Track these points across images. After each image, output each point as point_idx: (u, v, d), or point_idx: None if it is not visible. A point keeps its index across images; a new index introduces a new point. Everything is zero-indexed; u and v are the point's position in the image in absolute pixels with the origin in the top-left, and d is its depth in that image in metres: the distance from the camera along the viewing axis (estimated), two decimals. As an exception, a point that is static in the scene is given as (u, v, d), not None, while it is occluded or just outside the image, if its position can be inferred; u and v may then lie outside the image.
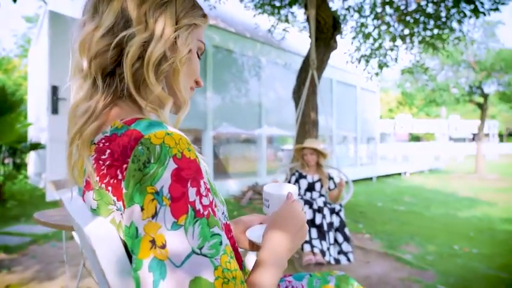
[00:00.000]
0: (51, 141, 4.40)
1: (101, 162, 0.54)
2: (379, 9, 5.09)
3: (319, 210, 2.87)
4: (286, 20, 5.47)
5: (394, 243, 3.56)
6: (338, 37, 4.89)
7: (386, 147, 19.48)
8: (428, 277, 2.66)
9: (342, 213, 2.97)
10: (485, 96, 11.48)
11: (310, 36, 4.02)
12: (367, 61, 5.52)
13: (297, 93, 4.50)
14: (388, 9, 5.05)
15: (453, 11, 4.71)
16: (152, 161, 0.49)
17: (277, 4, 5.26)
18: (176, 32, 0.63)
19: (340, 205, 3.01)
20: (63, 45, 4.52)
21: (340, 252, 2.82)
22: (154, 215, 0.47)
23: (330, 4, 5.51)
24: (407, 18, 4.93)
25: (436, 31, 5.05)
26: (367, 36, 5.28)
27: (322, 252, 2.70)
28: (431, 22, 4.94)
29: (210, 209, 0.51)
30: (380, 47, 5.38)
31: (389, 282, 2.54)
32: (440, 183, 9.70)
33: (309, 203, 2.90)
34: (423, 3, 4.79)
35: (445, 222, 4.77)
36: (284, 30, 5.44)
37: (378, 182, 9.78)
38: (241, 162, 6.93)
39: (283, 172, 4.21)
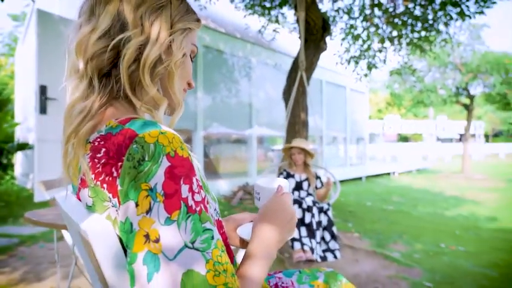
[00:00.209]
0: (39, 141, 4.35)
1: (96, 160, 0.55)
2: (368, 11, 5.16)
3: (309, 209, 2.91)
4: (277, 21, 5.50)
5: (383, 242, 3.61)
6: (328, 38, 4.95)
7: (375, 148, 19.69)
8: (415, 274, 2.72)
9: (329, 212, 3.02)
10: (471, 97, 11.70)
11: (299, 38, 4.06)
12: (357, 62, 5.58)
13: (287, 94, 4.53)
14: (376, 11, 5.12)
15: (440, 13, 4.80)
16: (146, 159, 0.50)
17: (268, 5, 5.28)
18: (171, 36, 0.65)
19: (328, 204, 3.06)
20: (51, 45, 4.47)
21: (327, 249, 2.88)
22: (149, 211, 0.48)
23: (320, 6, 5.56)
24: (396, 20, 5.01)
25: (423, 33, 5.14)
26: (356, 37, 5.35)
27: (312, 250, 2.75)
28: (419, 24, 5.03)
29: (202, 205, 0.53)
30: (369, 48, 5.45)
31: (377, 279, 2.59)
32: (427, 183, 9.85)
33: (298, 202, 2.94)
34: (411, 5, 4.87)
35: (432, 221, 4.86)
36: (274, 31, 5.47)
37: (367, 181, 9.88)
38: (231, 163, 6.94)
39: (272, 172, 4.24)
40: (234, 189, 6.11)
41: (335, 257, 2.84)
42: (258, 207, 0.79)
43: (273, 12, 5.40)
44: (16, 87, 8.63)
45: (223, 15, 7.01)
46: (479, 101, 13.33)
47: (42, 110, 4.31)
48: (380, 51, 5.50)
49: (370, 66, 5.58)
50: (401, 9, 4.98)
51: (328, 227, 2.98)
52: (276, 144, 8.25)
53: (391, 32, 5.26)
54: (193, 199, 0.52)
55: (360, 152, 11.20)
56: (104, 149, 0.55)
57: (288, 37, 7.16)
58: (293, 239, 2.82)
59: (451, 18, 4.78)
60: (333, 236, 2.95)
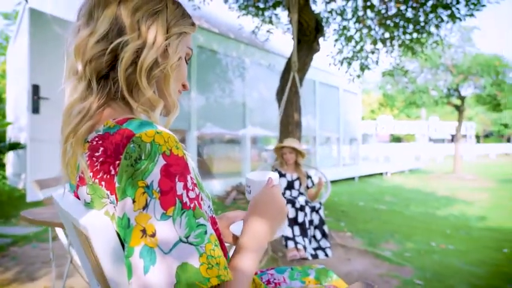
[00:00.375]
0: (31, 141, 4.32)
1: (94, 159, 0.57)
2: (360, 13, 5.21)
3: (301, 208, 2.95)
4: (270, 22, 5.53)
5: (375, 241, 3.66)
6: (321, 39, 4.99)
7: (368, 148, 19.84)
8: (406, 273, 2.76)
9: (321, 211, 3.06)
10: (462, 98, 11.85)
11: (292, 39, 4.09)
12: (349, 63, 5.63)
13: (280, 94, 4.56)
14: (369, 13, 5.17)
15: (431, 16, 4.87)
16: (143, 158, 0.52)
17: (261, 6, 5.31)
18: (167, 40, 0.67)
19: (320, 203, 3.10)
20: (44, 44, 4.45)
21: (319, 248, 2.92)
22: (145, 207, 0.51)
23: (313, 7, 5.60)
24: (388, 22, 5.07)
25: (415, 35, 5.21)
26: (349, 39, 5.40)
27: (305, 248, 2.79)
28: (411, 26, 5.10)
29: (196, 202, 0.55)
30: (361, 49, 5.51)
31: (369, 278, 2.62)
32: (420, 183, 9.95)
33: (291, 202, 2.97)
34: (403, 7, 4.93)
35: (424, 221, 4.92)
36: (268, 31, 5.50)
37: (360, 181, 9.96)
38: (225, 163, 6.95)
39: (265, 169, 4.26)
40: (227, 189, 6.13)
41: (326, 255, 2.88)
42: (249, 200, 0.81)
43: (266, 13, 5.43)
44: (8, 87, 8.55)
45: (217, 16, 7.02)
46: (470, 102, 13.50)
47: (35, 109, 4.28)
48: (372, 52, 5.55)
49: (362, 67, 5.64)
50: (393, 11, 5.05)
51: (319, 226, 3.02)
52: (269, 144, 8.28)
53: (383, 34, 5.32)
54: (187, 196, 0.54)
55: (352, 152, 11.28)
56: (102, 148, 0.57)
57: (281, 38, 7.20)
58: (287, 238, 2.85)
59: (442, 20, 4.85)
60: (324, 235, 3.00)
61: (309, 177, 3.40)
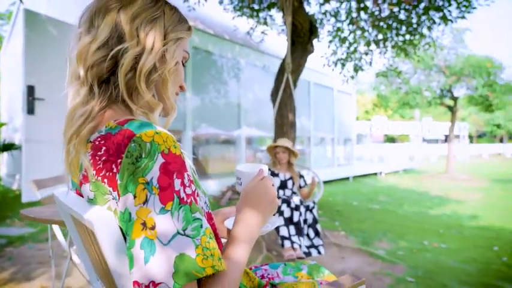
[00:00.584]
0: (26, 141, 4.32)
1: (97, 157, 0.60)
2: (354, 15, 5.27)
3: (296, 208, 3.00)
4: (265, 23, 5.57)
5: (368, 240, 3.71)
6: (315, 41, 5.04)
7: (362, 148, 19.96)
8: (399, 270, 2.81)
9: (314, 210, 3.11)
10: (455, 99, 11.97)
11: (287, 41, 4.13)
12: (343, 64, 5.69)
13: (275, 95, 4.60)
14: (363, 14, 5.23)
15: (423, 17, 4.93)
16: (143, 156, 0.56)
17: (256, 7, 5.35)
18: (165, 46, 0.70)
19: (314, 202, 3.15)
20: (38, 45, 4.45)
21: (312, 246, 2.97)
22: (145, 202, 0.54)
23: (308, 8, 5.65)
24: (381, 23, 5.13)
25: (407, 37, 5.28)
26: (343, 40, 5.45)
27: (300, 247, 2.85)
28: (403, 28, 5.16)
29: (192, 197, 0.59)
30: (355, 51, 5.56)
31: (362, 276, 2.66)
32: (413, 183, 10.04)
33: (286, 202, 3.02)
34: (396, 9, 4.99)
35: (417, 220, 4.98)
36: (263, 32, 5.54)
37: (355, 182, 10.03)
38: (220, 163, 6.98)
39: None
40: (222, 189, 6.16)
41: (319, 252, 2.93)
42: (240, 192, 0.83)
43: (261, 14, 5.47)
44: (1, 87, 8.50)
45: (212, 17, 7.05)
46: (462, 102, 13.63)
47: (30, 110, 4.28)
48: (366, 53, 5.61)
49: (356, 69, 5.69)
50: (386, 13, 5.11)
51: (312, 225, 3.08)
52: (264, 144, 8.32)
53: (376, 35, 5.38)
54: (184, 192, 0.57)
55: (347, 152, 11.35)
56: (104, 148, 0.60)
57: (276, 39, 7.25)
58: (283, 238, 2.90)
59: (434, 22, 4.93)
60: (317, 233, 3.06)
61: (301, 176, 3.46)
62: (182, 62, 0.79)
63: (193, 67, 6.16)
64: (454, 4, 4.64)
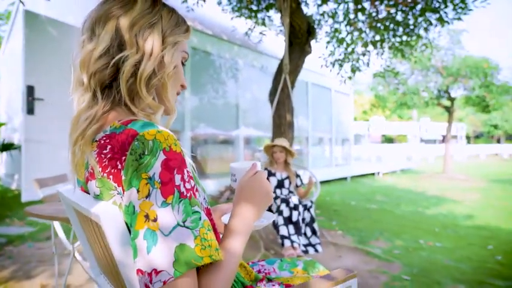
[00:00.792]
0: (26, 141, 4.34)
1: (102, 155, 0.64)
2: (352, 16, 5.31)
3: (295, 207, 3.04)
4: (263, 24, 5.61)
5: (365, 239, 3.75)
6: (313, 42, 5.08)
7: (360, 149, 20.03)
8: (394, 269, 2.85)
9: (312, 210, 3.16)
10: (452, 100, 12.04)
11: (285, 41, 4.17)
12: (341, 65, 5.73)
13: (273, 96, 4.64)
14: (360, 16, 5.27)
15: (420, 19, 4.98)
16: (146, 153, 0.60)
17: (254, 8, 5.38)
18: (163, 51, 0.74)
19: (311, 202, 3.19)
20: (38, 45, 4.47)
21: (309, 244, 3.01)
22: (148, 196, 0.58)
23: (306, 9, 5.70)
24: (378, 25, 5.18)
25: (404, 38, 5.32)
26: (340, 41, 5.49)
27: (299, 246, 2.90)
28: (400, 29, 5.21)
29: (191, 192, 0.63)
30: (353, 51, 5.60)
31: (358, 274, 2.69)
32: (411, 183, 10.10)
33: (285, 201, 3.07)
34: (393, 11, 5.04)
35: (413, 219, 5.03)
36: (261, 33, 5.58)
37: (352, 181, 10.07)
38: (218, 163, 7.01)
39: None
40: (221, 189, 6.19)
41: (316, 250, 2.98)
42: (235, 188, 0.86)
43: (259, 15, 5.50)
44: (0, 87, 8.52)
45: (210, 18, 7.08)
46: (460, 103, 13.71)
47: (30, 110, 4.31)
48: (363, 54, 5.65)
49: (353, 69, 5.73)
50: (383, 14, 5.15)
51: (309, 224, 3.12)
52: (262, 144, 8.36)
53: (374, 36, 5.42)
54: (184, 187, 0.61)
55: (345, 152, 11.40)
56: (109, 146, 0.64)
57: (274, 40, 7.29)
58: (283, 237, 2.95)
59: (431, 24, 4.97)
60: (314, 232, 3.10)
61: (297, 176, 3.50)
62: (182, 61, 0.83)
63: (192, 67, 6.20)
64: (450, 6, 4.69)
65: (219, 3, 5.47)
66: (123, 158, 0.61)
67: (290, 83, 4.40)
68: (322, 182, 8.74)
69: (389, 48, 5.50)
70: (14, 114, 6.56)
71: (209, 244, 0.60)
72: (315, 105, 9.49)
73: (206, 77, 6.61)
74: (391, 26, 5.16)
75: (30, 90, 4.32)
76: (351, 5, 5.21)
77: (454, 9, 4.72)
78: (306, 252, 2.98)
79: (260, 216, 0.79)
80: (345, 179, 10.27)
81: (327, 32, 5.62)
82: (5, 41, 7.62)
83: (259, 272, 1.10)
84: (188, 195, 0.61)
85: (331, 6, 5.51)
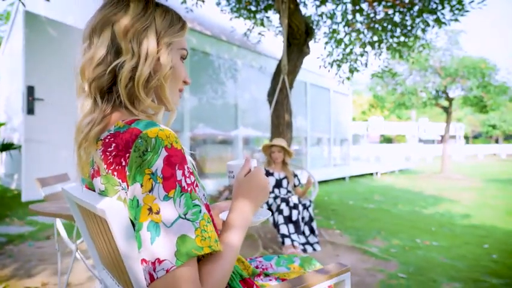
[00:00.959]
0: (26, 141, 4.37)
1: (107, 153, 0.68)
2: (350, 17, 5.35)
3: (295, 207, 3.08)
4: (262, 24, 5.64)
5: (362, 238, 3.78)
6: (311, 42, 5.12)
7: (359, 149, 20.09)
8: (391, 267, 2.89)
9: (310, 209, 3.19)
10: (450, 100, 12.10)
11: (283, 42, 4.21)
12: (339, 66, 5.76)
13: (271, 96, 4.67)
14: (358, 16, 5.31)
15: (418, 20, 5.02)
16: (149, 150, 0.63)
17: (253, 9, 5.42)
18: (158, 53, 0.77)
19: (310, 201, 3.23)
20: (38, 46, 4.50)
21: (307, 243, 3.05)
22: (151, 190, 0.62)
23: (304, 10, 5.73)
24: (376, 25, 5.21)
25: (402, 38, 5.36)
26: (339, 42, 5.53)
27: (299, 245, 2.95)
28: (398, 30, 5.25)
29: (192, 186, 0.67)
30: (351, 52, 5.64)
31: (355, 272, 2.74)
32: (409, 183, 10.14)
33: (285, 201, 3.11)
34: (390, 12, 5.08)
35: (410, 219, 5.07)
36: (260, 34, 5.61)
37: (351, 181, 10.11)
38: (217, 163, 7.04)
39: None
40: (220, 188, 6.22)
41: (314, 249, 3.02)
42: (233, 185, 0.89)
43: (258, 16, 5.54)
44: (0, 87, 8.54)
45: (209, 18, 7.12)
46: (458, 103, 13.77)
47: (30, 110, 4.33)
48: (361, 55, 5.69)
49: (352, 70, 5.77)
50: (381, 15, 5.19)
51: (308, 223, 3.16)
52: (261, 145, 8.40)
53: (372, 37, 5.46)
54: (185, 181, 0.65)
55: (343, 152, 11.45)
56: (114, 144, 0.68)
57: (273, 40, 7.33)
58: (283, 236, 2.99)
59: (428, 25, 5.01)
60: (312, 231, 3.14)
61: (295, 175, 3.53)
62: (182, 57, 0.85)
63: (191, 68, 6.23)
64: (447, 7, 4.73)
65: (218, 4, 5.51)
66: (127, 155, 0.65)
67: (288, 83, 4.44)
68: (321, 182, 8.78)
69: (387, 49, 5.54)
70: (13, 114, 6.59)
71: (209, 235, 0.64)
72: (313, 105, 9.53)
73: (205, 77, 6.65)
74: (389, 26, 5.20)
75: (30, 90, 4.34)
76: (349, 6, 5.25)
77: (451, 10, 4.76)
78: (304, 251, 3.02)
79: (258, 208, 0.83)
80: (344, 179, 10.31)
81: (325, 33, 5.66)
82: (5, 41, 7.64)
83: (256, 267, 1.13)
84: (189, 189, 0.65)
85: (329, 7, 5.55)
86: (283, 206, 3.09)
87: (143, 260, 0.61)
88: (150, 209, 0.61)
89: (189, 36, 6.21)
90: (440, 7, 4.73)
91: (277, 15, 5.25)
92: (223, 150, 7.27)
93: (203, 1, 4.86)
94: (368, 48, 5.63)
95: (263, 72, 7.75)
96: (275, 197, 3.28)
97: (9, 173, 6.60)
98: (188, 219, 0.62)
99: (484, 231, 4.35)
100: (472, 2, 4.62)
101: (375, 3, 5.03)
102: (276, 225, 3.08)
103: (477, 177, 11.88)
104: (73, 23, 5.09)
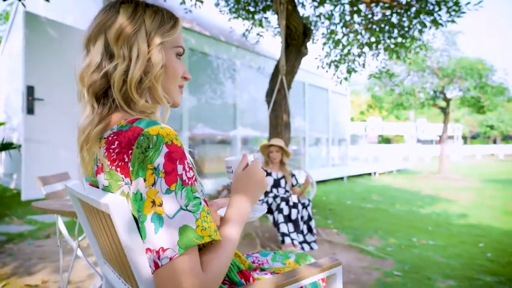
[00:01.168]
0: (26, 141, 4.39)
1: (111, 150, 0.72)
2: (347, 18, 5.39)
3: (294, 206, 3.12)
4: (260, 25, 5.68)
5: (359, 237, 3.82)
6: (309, 43, 5.16)
7: (357, 149, 20.15)
8: (387, 265, 2.93)
9: (309, 208, 3.23)
10: (447, 100, 12.16)
11: (281, 43, 4.25)
12: (337, 66, 5.80)
13: (269, 96, 4.71)
14: (356, 17, 5.35)
15: (415, 21, 5.06)
16: (151, 147, 0.67)
17: (252, 9, 5.46)
18: (149, 54, 0.79)
19: (309, 200, 3.27)
20: (38, 46, 4.53)
21: (305, 241, 3.09)
22: (153, 184, 0.65)
23: (303, 11, 5.77)
24: (374, 26, 5.26)
25: (399, 39, 5.41)
26: (336, 42, 5.57)
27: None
28: (395, 31, 5.29)
29: (192, 180, 0.70)
30: (349, 53, 5.68)
31: (351, 270, 2.78)
32: (406, 183, 10.20)
33: (285, 200, 3.15)
34: (388, 13, 5.12)
35: (407, 218, 5.11)
36: (258, 34, 5.65)
37: (349, 181, 10.16)
38: (216, 163, 7.08)
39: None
40: (218, 188, 6.26)
41: (311, 248, 3.06)
42: (231, 179, 0.93)
43: (256, 16, 5.57)
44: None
45: (208, 19, 7.15)
46: (455, 104, 13.83)
47: (30, 110, 4.36)
48: (359, 55, 5.73)
49: (349, 70, 5.81)
50: (379, 16, 5.23)
51: (306, 221, 3.20)
52: (259, 144, 8.43)
53: (369, 38, 5.50)
54: (186, 175, 0.69)
55: (341, 153, 11.49)
56: (117, 142, 0.72)
57: (271, 41, 7.36)
58: (283, 234, 3.03)
59: (425, 26, 5.06)
60: (310, 230, 3.18)
61: (293, 175, 3.57)
62: (178, 55, 0.87)
63: (190, 68, 6.26)
64: (444, 8, 4.78)
65: (217, 4, 5.54)
66: (130, 151, 0.68)
67: (287, 84, 4.48)
68: (319, 182, 8.82)
69: (385, 49, 5.59)
70: (12, 114, 6.61)
71: (208, 226, 0.68)
72: (311, 105, 9.57)
73: (204, 78, 6.68)
74: (387, 27, 5.24)
75: (30, 90, 4.37)
76: (347, 7, 5.29)
77: (448, 12, 4.81)
78: (301, 249, 3.06)
79: (256, 201, 0.87)
80: (342, 179, 10.36)
81: (323, 34, 5.70)
82: (4, 41, 7.66)
83: (253, 262, 1.16)
84: (189, 183, 0.69)
85: (327, 8, 5.59)
86: (283, 205, 3.13)
87: (148, 249, 0.65)
88: (153, 202, 0.65)
89: (188, 37, 6.24)
90: (437, 8, 4.77)
91: (276, 16, 5.29)
92: (221, 150, 7.30)
93: (202, 2, 4.89)
94: (366, 49, 5.67)
95: (261, 72, 7.79)
96: (275, 196, 3.32)
97: (9, 173, 6.62)
98: (189, 211, 0.66)
99: (480, 231, 4.40)
100: (469, 3, 4.67)
101: (373, 5, 5.07)
102: (276, 224, 3.12)
103: (475, 178, 11.95)
104: (73, 23, 5.12)
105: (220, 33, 7.02)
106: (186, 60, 6.20)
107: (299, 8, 5.17)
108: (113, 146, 0.72)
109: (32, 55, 4.44)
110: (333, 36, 5.56)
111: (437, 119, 29.85)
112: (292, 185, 3.52)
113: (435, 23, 4.92)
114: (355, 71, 5.83)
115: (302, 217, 3.19)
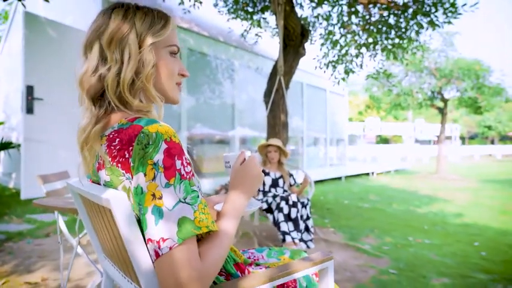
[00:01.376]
0: (25, 140, 4.42)
1: (112, 147, 0.76)
2: (345, 18, 5.43)
3: (294, 205, 3.16)
4: (259, 25, 5.71)
5: (355, 236, 3.86)
6: (307, 43, 5.20)
7: (356, 149, 20.19)
8: (382, 263, 2.97)
9: (308, 207, 3.27)
10: (445, 101, 12.22)
11: (279, 43, 4.28)
12: (334, 67, 5.84)
13: (267, 97, 4.74)
14: (354, 18, 5.39)
15: (412, 22, 5.11)
16: (150, 143, 0.71)
17: (250, 10, 5.49)
18: (140, 55, 0.82)
19: (308, 199, 3.30)
20: (38, 46, 4.55)
21: (301, 240, 3.13)
22: (153, 178, 0.69)
23: (300, 11, 5.80)
24: (371, 27, 5.30)
25: (397, 40, 5.45)
26: (334, 43, 5.61)
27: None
28: (393, 32, 5.34)
29: (190, 174, 0.74)
30: (346, 53, 5.72)
31: (347, 268, 2.82)
32: (404, 183, 10.25)
33: (285, 199, 3.19)
34: (385, 14, 5.16)
35: (404, 218, 5.15)
36: (256, 35, 5.68)
37: (347, 181, 10.20)
38: (214, 163, 7.10)
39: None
40: (216, 188, 6.29)
41: (308, 247, 3.09)
42: (228, 174, 0.97)
43: (255, 17, 5.60)
44: (-2, 86, 8.56)
45: (207, 19, 7.18)
46: (453, 104, 13.90)
47: (29, 110, 4.39)
48: (357, 56, 5.77)
49: (347, 71, 5.85)
50: (376, 17, 5.28)
51: (304, 220, 3.23)
52: (257, 144, 8.46)
53: (367, 39, 5.54)
54: (184, 170, 0.73)
55: (339, 152, 11.53)
56: (118, 139, 0.75)
57: (269, 41, 7.39)
58: (284, 233, 3.07)
59: (422, 27, 5.10)
60: (307, 229, 3.22)
61: (291, 175, 3.61)
62: (172, 53, 0.89)
63: (189, 68, 6.29)
64: (441, 10, 4.82)
65: (215, 5, 5.57)
66: (131, 148, 0.72)
67: (285, 84, 4.51)
68: (317, 182, 8.86)
69: (382, 50, 5.63)
70: (11, 113, 6.63)
71: (206, 217, 0.72)
72: (309, 105, 9.61)
73: (202, 78, 6.71)
74: (384, 28, 5.29)
75: (29, 90, 4.40)
76: (345, 8, 5.33)
77: (445, 13, 4.85)
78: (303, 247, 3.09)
79: (252, 195, 0.91)
80: (340, 178, 10.40)
81: (321, 34, 5.74)
82: (3, 41, 7.67)
83: (249, 258, 1.20)
84: (187, 177, 0.73)
85: (325, 8, 5.63)
86: (282, 204, 3.17)
87: (149, 240, 0.69)
88: (154, 195, 0.69)
89: (187, 37, 6.27)
90: (433, 10, 4.82)
91: (274, 17, 5.32)
92: (220, 150, 7.33)
93: (201, 2, 4.93)
94: (363, 49, 5.71)
95: (260, 72, 7.82)
96: (274, 196, 3.36)
97: (7, 172, 6.64)
98: (188, 203, 0.70)
99: (475, 230, 4.44)
100: (465, 5, 4.72)
101: (370, 6, 5.11)
102: (276, 223, 3.15)
103: (473, 178, 12.01)
104: (72, 23, 5.14)
105: (219, 34, 7.05)
106: (184, 60, 6.23)
107: (297, 9, 5.21)
108: (114, 143, 0.75)
109: (32, 55, 4.46)
110: (330, 36, 5.60)
111: (435, 120, 29.94)
112: (290, 185, 3.56)
113: (432, 24, 4.97)
114: (353, 72, 5.88)
115: (302, 216, 3.23)
